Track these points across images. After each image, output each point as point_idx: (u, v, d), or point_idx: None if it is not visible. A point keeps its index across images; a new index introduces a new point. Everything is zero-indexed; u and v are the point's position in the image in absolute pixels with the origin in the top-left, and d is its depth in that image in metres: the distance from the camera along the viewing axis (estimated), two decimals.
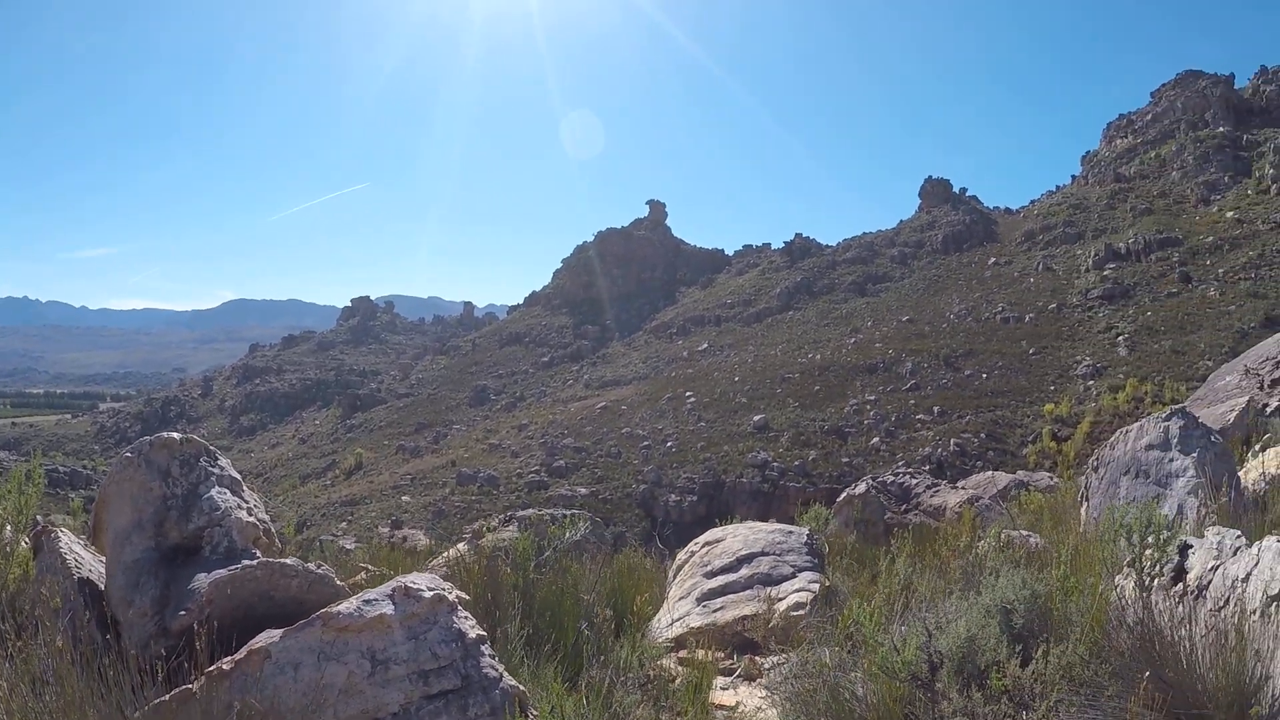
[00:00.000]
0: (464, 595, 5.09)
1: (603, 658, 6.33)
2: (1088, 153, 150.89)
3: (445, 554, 9.48)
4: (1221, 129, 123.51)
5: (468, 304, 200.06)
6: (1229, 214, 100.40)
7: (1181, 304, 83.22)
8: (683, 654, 7.42)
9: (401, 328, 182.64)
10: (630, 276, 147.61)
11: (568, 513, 11.72)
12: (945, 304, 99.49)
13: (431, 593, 4.82)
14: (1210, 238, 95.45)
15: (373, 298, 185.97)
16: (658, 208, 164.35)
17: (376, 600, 4.64)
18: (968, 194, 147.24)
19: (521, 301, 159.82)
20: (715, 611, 8.31)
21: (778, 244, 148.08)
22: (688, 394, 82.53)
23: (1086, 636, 5.15)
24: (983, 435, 64.93)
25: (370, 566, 9.30)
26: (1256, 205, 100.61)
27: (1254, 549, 5.11)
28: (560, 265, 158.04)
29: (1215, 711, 4.28)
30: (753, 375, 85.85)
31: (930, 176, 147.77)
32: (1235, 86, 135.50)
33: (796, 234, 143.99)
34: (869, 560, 9.83)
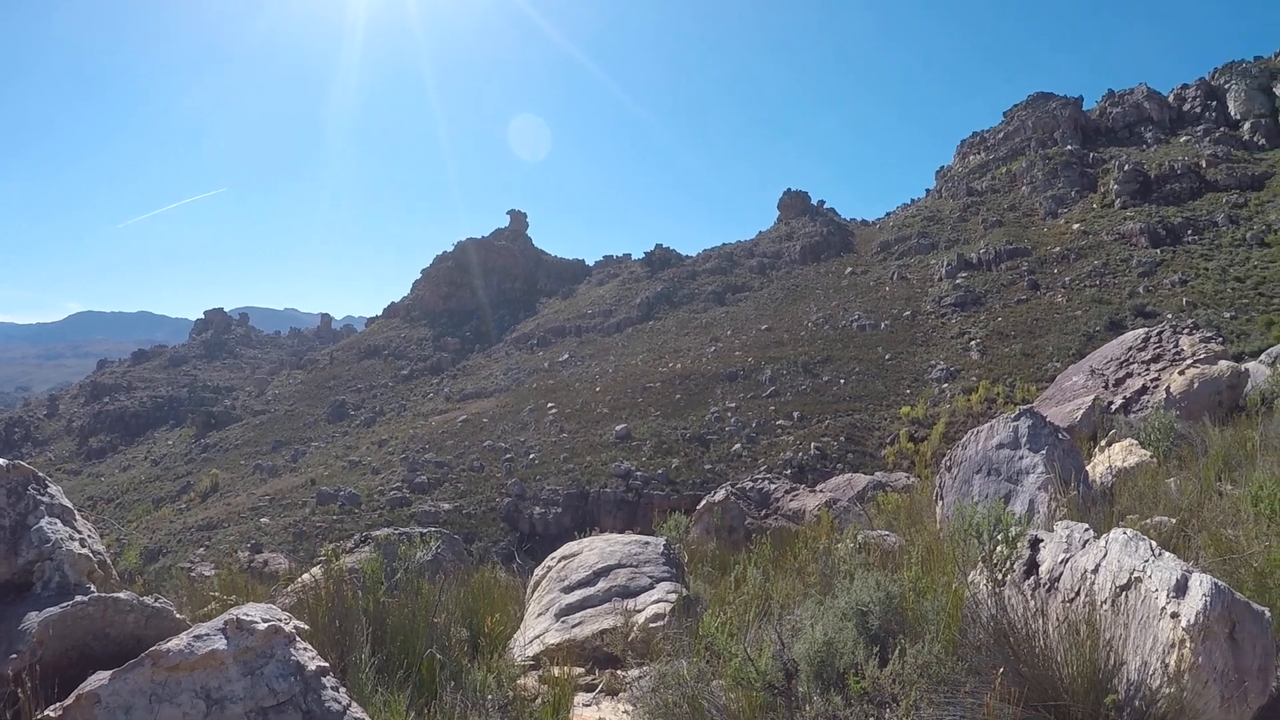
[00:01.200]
0: (303, 625, 4.83)
1: (455, 682, 6.13)
2: (942, 168, 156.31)
3: (301, 579, 9.17)
4: (1069, 147, 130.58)
5: (325, 316, 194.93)
6: (1075, 226, 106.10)
7: (1030, 310, 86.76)
8: (543, 672, 7.28)
9: (257, 341, 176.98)
10: (491, 287, 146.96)
11: (421, 531, 11.45)
12: (803, 312, 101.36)
13: (266, 624, 4.55)
14: (1057, 248, 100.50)
15: (227, 309, 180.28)
16: (519, 217, 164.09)
17: (208, 635, 4.36)
18: (825, 206, 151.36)
19: (380, 313, 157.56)
20: (574, 627, 8.17)
21: (638, 254, 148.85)
22: (549, 405, 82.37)
23: (943, 634, 5.16)
24: (842, 438, 66.15)
25: (220, 595, 8.91)
26: (1101, 218, 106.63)
27: (1102, 541, 5.20)
28: (420, 276, 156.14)
29: (1071, 701, 4.33)
30: (614, 385, 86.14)
31: (789, 189, 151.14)
32: (1084, 108, 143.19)
33: (657, 244, 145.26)
34: (730, 567, 9.81)
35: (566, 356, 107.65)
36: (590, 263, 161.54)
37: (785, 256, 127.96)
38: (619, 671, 7.51)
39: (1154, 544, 4.97)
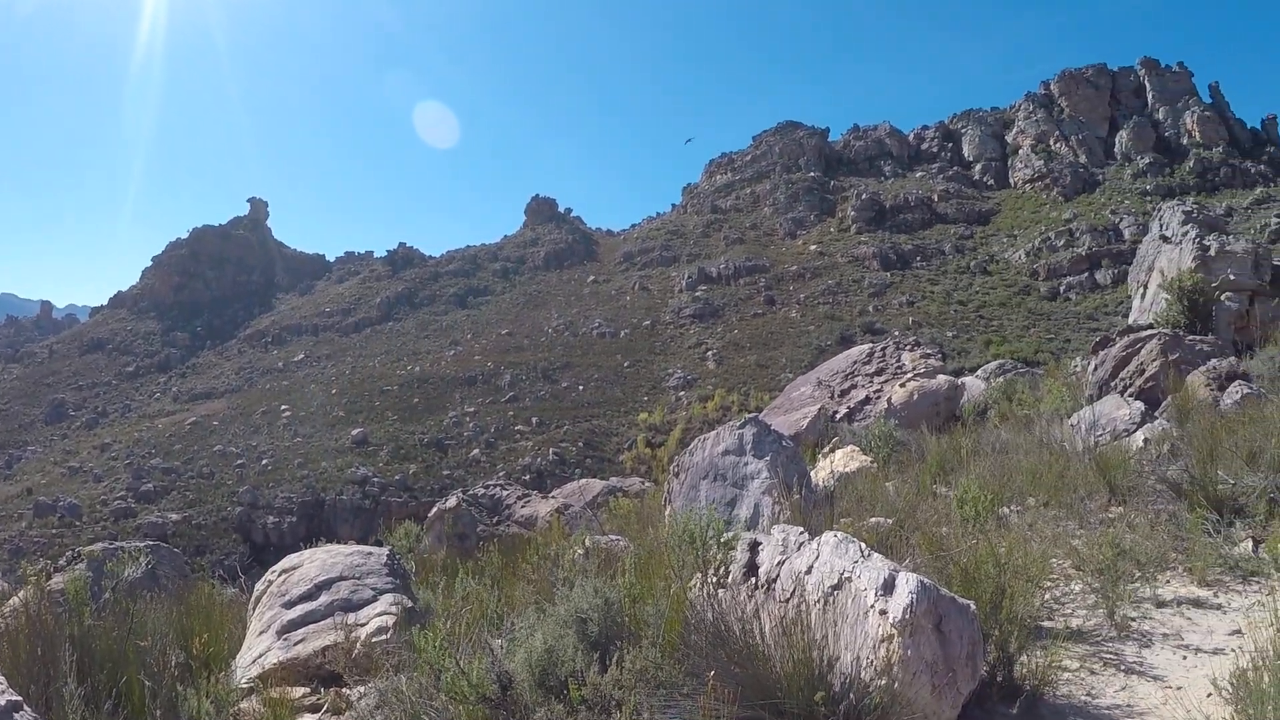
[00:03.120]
0: None
1: (169, 710, 5.83)
2: (689, 185, 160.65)
3: (10, 603, 8.52)
4: (813, 174, 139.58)
5: (45, 303, 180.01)
6: (812, 247, 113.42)
7: (766, 323, 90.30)
8: (265, 695, 7.01)
9: None
10: (226, 279, 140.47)
11: (135, 545, 10.84)
12: (545, 318, 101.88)
13: None
14: (794, 266, 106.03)
15: None
16: (259, 206, 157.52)
17: None
18: (572, 214, 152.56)
19: (106, 303, 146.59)
20: (297, 644, 7.89)
21: (381, 252, 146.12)
22: (283, 408, 79.89)
23: (665, 639, 5.24)
24: (581, 444, 66.82)
25: None
26: (837, 241, 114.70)
27: (815, 543, 5.40)
28: (150, 263, 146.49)
29: (786, 698, 4.44)
30: (351, 387, 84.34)
31: (537, 195, 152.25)
32: (829, 139, 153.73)
33: (401, 243, 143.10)
34: (461, 576, 9.71)
35: (302, 356, 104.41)
36: (331, 259, 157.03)
37: (530, 262, 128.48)
38: (344, 690, 7.32)
39: (864, 546, 5.20)
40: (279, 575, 9.14)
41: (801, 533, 5.72)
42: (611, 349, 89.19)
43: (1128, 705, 5.48)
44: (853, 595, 4.84)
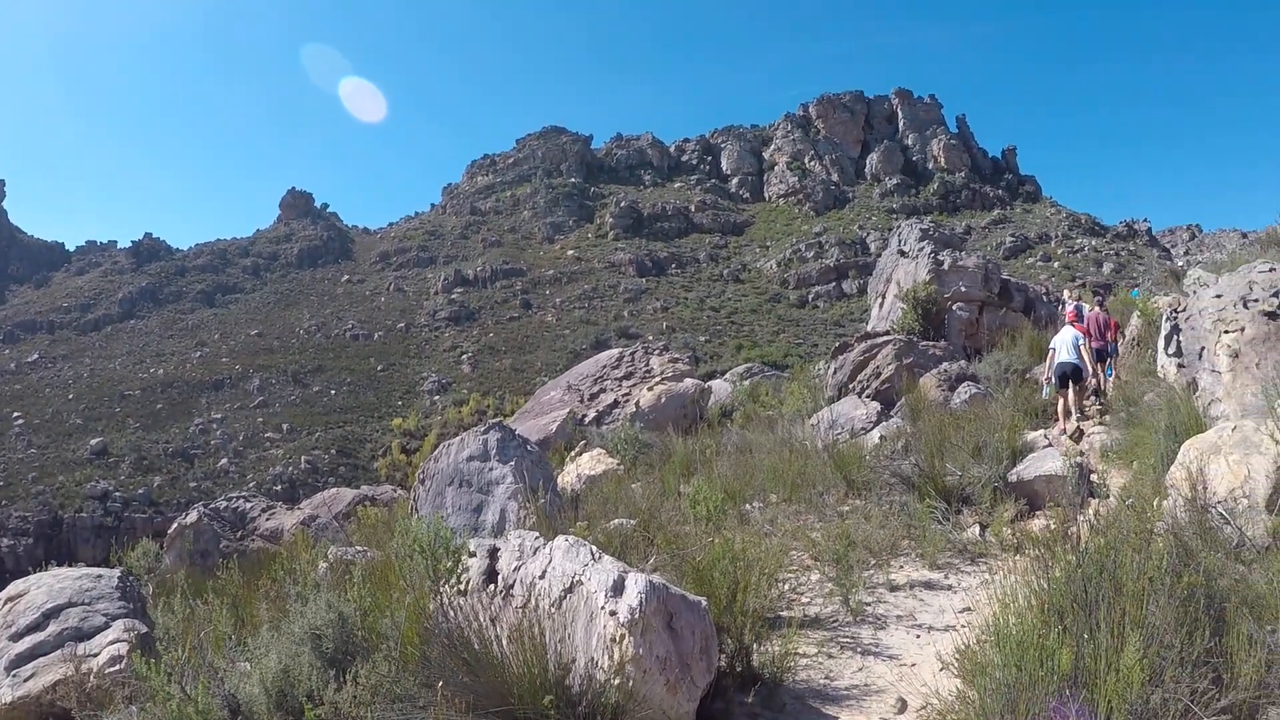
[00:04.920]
0: None
1: None
2: (449, 185, 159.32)
3: None
4: (574, 180, 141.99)
5: None
6: (570, 252, 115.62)
7: (522, 327, 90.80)
8: None
9: None
10: None
11: None
12: (296, 319, 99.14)
13: None
14: (551, 271, 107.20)
15: None
16: None
17: None
18: (329, 210, 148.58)
19: None
20: (27, 681, 7.36)
21: (125, 242, 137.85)
22: (16, 415, 74.77)
23: (403, 651, 5.16)
24: (334, 451, 65.35)
25: None
26: (594, 247, 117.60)
27: (548, 548, 5.45)
28: None
29: (519, 703, 4.48)
30: (89, 392, 79.79)
31: (294, 188, 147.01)
32: (592, 146, 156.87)
33: (147, 233, 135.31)
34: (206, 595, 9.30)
35: (36, 356, 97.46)
36: (71, 247, 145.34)
37: (282, 258, 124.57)
38: None
39: (594, 548, 5.34)
40: (4, 605, 8.55)
41: (537, 538, 5.78)
42: (365, 352, 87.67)
43: (864, 685, 5.79)
44: (584, 598, 4.94)
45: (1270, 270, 10.23)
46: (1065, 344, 14.05)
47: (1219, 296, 10.23)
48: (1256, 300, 9.71)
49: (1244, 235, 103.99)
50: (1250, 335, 9.38)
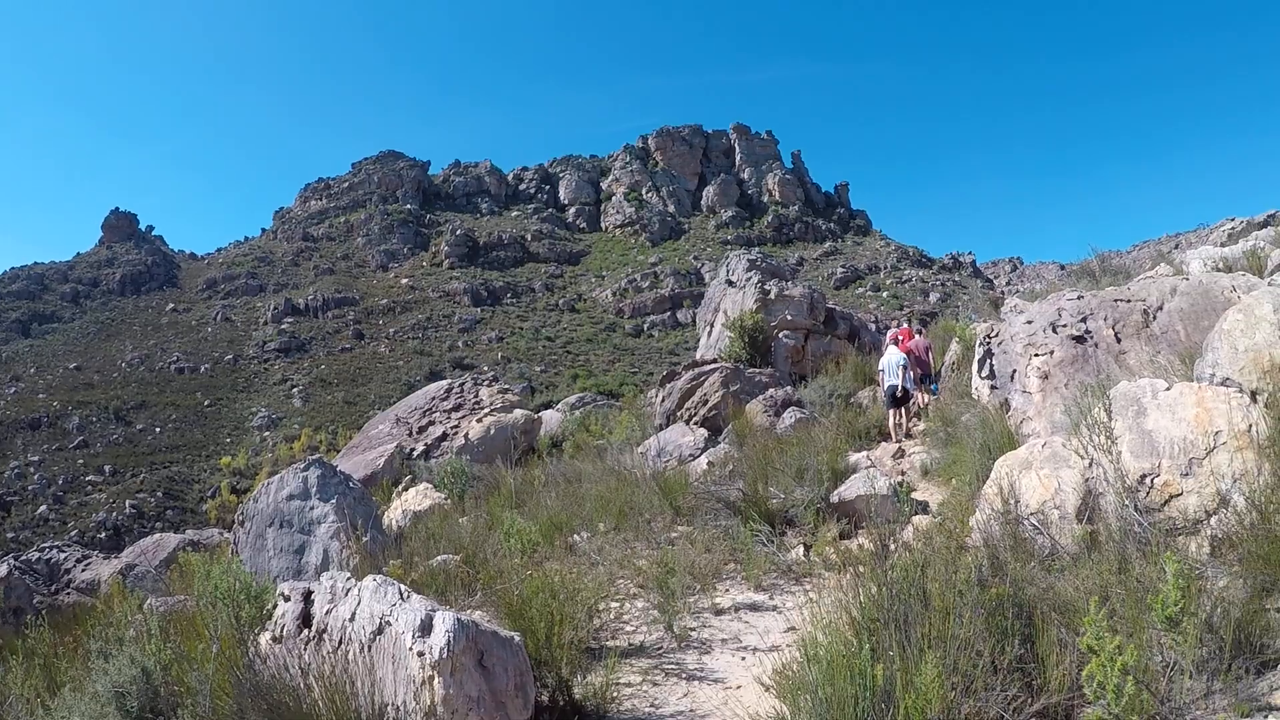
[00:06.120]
0: None
1: None
2: (282, 208, 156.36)
3: None
4: (409, 206, 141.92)
5: None
6: (404, 281, 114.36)
7: (354, 358, 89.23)
8: None
9: None
10: None
11: None
12: (118, 351, 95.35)
13: None
14: (385, 300, 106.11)
15: None
16: None
17: None
18: (154, 233, 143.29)
19: None
20: None
21: None
22: None
23: (215, 705, 4.98)
24: (160, 494, 62.98)
25: None
26: (430, 275, 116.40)
27: (358, 588, 5.32)
28: None
29: None
30: None
31: (117, 208, 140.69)
32: (430, 172, 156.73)
33: None
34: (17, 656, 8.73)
35: None
36: None
37: (104, 285, 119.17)
38: None
39: (403, 588, 5.30)
40: None
41: (348, 578, 5.69)
42: (191, 386, 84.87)
43: (690, 710, 5.87)
44: (393, 639, 4.92)
45: (1078, 298, 10.81)
46: (890, 367, 15.34)
47: (1030, 322, 10.78)
48: (1065, 325, 10.26)
49: (1062, 267, 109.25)
50: (1059, 358, 9.92)
